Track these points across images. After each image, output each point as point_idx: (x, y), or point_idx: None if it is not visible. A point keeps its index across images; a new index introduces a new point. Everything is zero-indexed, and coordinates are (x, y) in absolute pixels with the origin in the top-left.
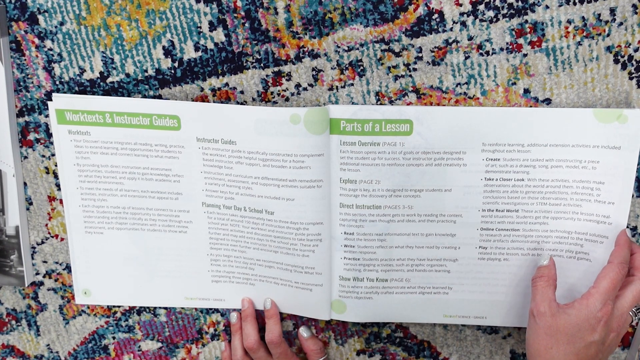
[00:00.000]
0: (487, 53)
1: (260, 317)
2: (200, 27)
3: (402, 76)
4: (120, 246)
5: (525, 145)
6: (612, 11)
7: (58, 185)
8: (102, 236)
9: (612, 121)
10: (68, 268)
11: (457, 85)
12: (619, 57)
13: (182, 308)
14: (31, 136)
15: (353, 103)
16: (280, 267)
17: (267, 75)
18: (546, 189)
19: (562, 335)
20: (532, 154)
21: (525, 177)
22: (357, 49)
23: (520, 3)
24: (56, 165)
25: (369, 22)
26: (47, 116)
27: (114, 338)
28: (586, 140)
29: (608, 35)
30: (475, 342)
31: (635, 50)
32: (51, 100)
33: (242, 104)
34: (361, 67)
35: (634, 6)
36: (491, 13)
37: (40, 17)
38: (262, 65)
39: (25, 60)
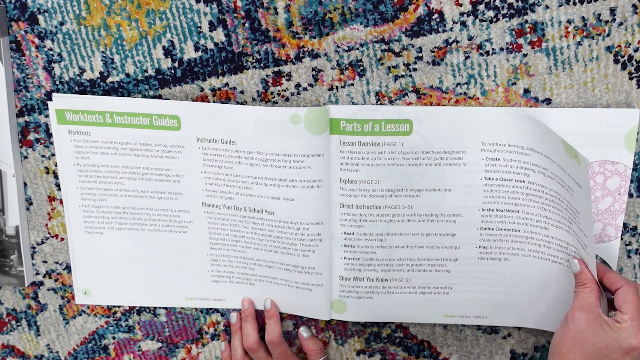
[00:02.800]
0: (487, 53)
1: (260, 317)
2: (200, 27)
3: (402, 76)
4: (120, 246)
5: (524, 147)
6: (612, 11)
7: (58, 185)
8: (102, 236)
9: (572, 158)
10: (68, 268)
11: (457, 85)
12: (619, 57)
13: (182, 308)
14: (31, 136)
15: (353, 103)
16: (280, 267)
17: (267, 75)
18: (546, 196)
19: (589, 346)
20: (532, 158)
21: (526, 179)
22: (357, 49)
23: (520, 3)
24: (56, 165)
25: (369, 22)
26: (47, 116)
27: (114, 338)
28: (563, 165)
29: (608, 35)
30: (475, 342)
31: (635, 50)
32: (51, 100)
33: (242, 104)
34: (361, 67)
35: (634, 6)
36: (491, 13)
37: (40, 17)
38: (262, 65)
39: (25, 60)
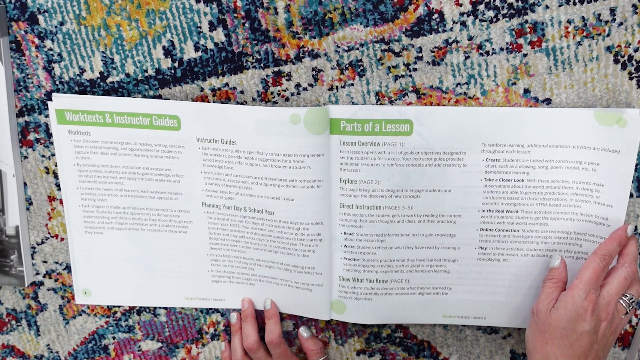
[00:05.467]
0: (487, 53)
1: (260, 317)
2: (200, 27)
3: (402, 76)
4: (120, 246)
5: (525, 146)
6: (612, 11)
7: (58, 185)
8: (102, 236)
9: (612, 124)
10: (68, 268)
11: (457, 85)
12: (619, 57)
13: (182, 308)
14: (31, 136)
15: (353, 103)
16: (280, 267)
17: (267, 75)
18: (546, 190)
19: (555, 330)
20: (532, 155)
21: (525, 177)
22: (357, 49)
23: (520, 3)
24: (56, 165)
25: (369, 22)
26: (47, 116)
27: (114, 338)
28: (587, 141)
29: (608, 35)
30: (475, 342)
31: (635, 50)
32: (51, 100)
33: (242, 104)
34: (361, 67)
35: (634, 6)
36: (491, 13)
37: (40, 17)
38: (262, 65)
39: (25, 60)
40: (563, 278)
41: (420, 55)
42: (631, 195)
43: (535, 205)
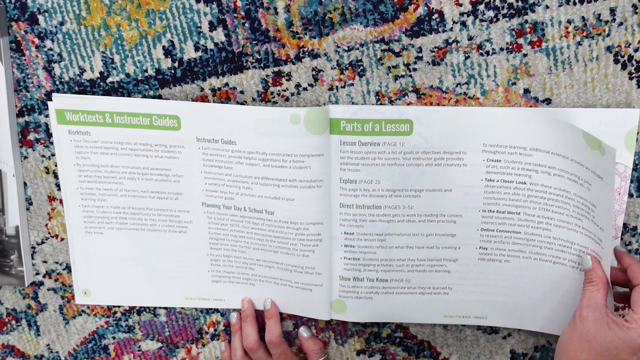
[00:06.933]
0: (487, 53)
1: (260, 317)
2: (200, 27)
3: (402, 76)
4: (120, 246)
5: (527, 148)
6: (612, 11)
7: (58, 185)
8: (102, 236)
9: (595, 149)
10: (68, 268)
11: (457, 85)
12: (619, 57)
13: (182, 308)
14: (31, 136)
15: (353, 103)
16: (280, 267)
17: (267, 75)
18: (549, 196)
19: (597, 345)
20: (535, 159)
21: (527, 180)
22: (357, 49)
23: (520, 3)
24: (56, 165)
25: (369, 22)
26: (47, 116)
27: (114, 338)
28: (580, 158)
29: (608, 35)
30: (475, 342)
31: (635, 50)
32: (51, 100)
33: (242, 104)
34: (361, 67)
35: (634, 6)
36: (491, 13)
37: (40, 17)
38: (262, 65)
39: (25, 60)
40: (602, 277)
41: (420, 55)
42: (631, 195)
43: (537, 209)
